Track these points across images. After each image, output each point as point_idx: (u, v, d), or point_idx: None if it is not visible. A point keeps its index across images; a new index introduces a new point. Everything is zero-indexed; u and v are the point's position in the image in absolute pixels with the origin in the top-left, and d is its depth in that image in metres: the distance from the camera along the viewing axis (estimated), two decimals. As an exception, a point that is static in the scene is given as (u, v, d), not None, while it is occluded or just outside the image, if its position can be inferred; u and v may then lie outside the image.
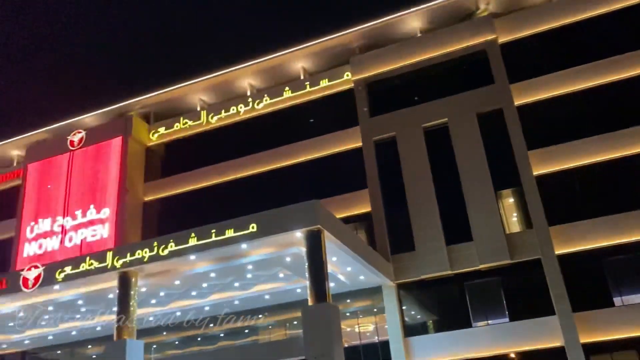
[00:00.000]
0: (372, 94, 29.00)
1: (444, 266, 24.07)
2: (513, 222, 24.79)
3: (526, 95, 26.08)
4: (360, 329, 25.33)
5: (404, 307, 24.71)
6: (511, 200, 25.26)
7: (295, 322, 25.62)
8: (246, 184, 29.84)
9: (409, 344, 23.78)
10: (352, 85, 29.32)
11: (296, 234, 18.22)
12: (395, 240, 25.58)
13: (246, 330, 27.44)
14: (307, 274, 17.94)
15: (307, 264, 17.96)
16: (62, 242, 30.46)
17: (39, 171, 33.18)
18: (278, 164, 29.45)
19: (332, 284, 20.57)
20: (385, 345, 24.06)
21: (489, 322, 23.40)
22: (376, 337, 24.81)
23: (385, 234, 25.63)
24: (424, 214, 25.21)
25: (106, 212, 30.21)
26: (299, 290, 23.68)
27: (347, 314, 25.36)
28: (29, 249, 31.07)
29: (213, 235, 18.78)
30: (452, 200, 25.15)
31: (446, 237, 24.56)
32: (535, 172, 24.46)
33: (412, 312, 25.36)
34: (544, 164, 24.69)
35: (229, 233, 18.58)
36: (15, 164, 36.50)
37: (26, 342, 28.94)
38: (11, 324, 25.75)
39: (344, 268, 22.35)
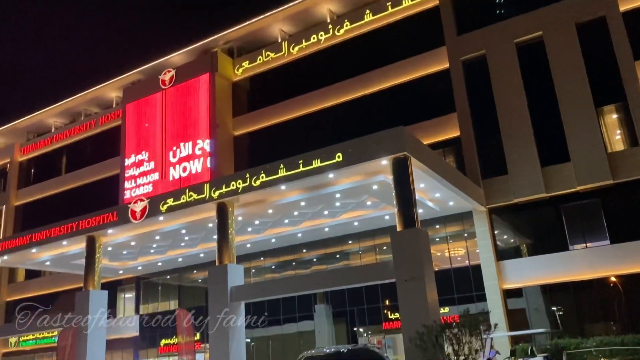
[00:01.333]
0: (458, 10, 27.29)
1: (539, 189, 23.14)
2: (616, 140, 23.07)
3: (634, -2, 23.42)
4: (450, 253, 25.36)
5: (496, 232, 24.29)
6: (614, 116, 23.41)
7: (384, 248, 26.09)
8: (331, 113, 29.81)
9: (502, 267, 23.55)
10: (437, 2, 27.73)
11: (382, 162, 18.15)
12: (487, 164, 24.80)
13: (337, 255, 28.39)
14: (394, 201, 17.99)
15: (394, 191, 17.96)
16: (161, 176, 32.48)
17: (136, 111, 35.07)
18: (362, 92, 28.99)
19: (420, 210, 20.53)
20: (476, 269, 24.00)
21: (588, 244, 22.49)
22: (467, 262, 24.76)
23: (476, 158, 24.87)
24: (517, 135, 24.08)
25: (200, 147, 31.63)
26: (387, 217, 23.91)
27: (437, 239, 25.40)
28: (133, 184, 33.47)
29: (301, 165, 19.17)
30: (548, 119, 23.73)
31: (541, 158, 23.44)
32: (643, 85, 22.34)
33: (505, 236, 24.90)
34: (654, 75, 22.44)
35: (316, 163, 18.86)
36: (114, 105, 38.79)
37: (139, 268, 31.90)
38: (125, 252, 28.37)
39: (433, 194, 22.15)
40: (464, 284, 24.17)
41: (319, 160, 18.80)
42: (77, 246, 26.16)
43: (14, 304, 39.81)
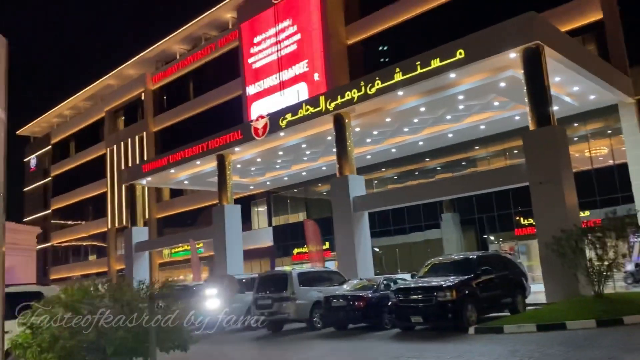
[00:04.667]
0: None
1: None
2: None
3: None
4: (591, 153, 23.03)
5: (646, 126, 21.46)
6: None
7: (515, 152, 24.37)
8: (449, 9, 27.36)
9: (654, 165, 20.95)
10: None
11: (510, 55, 16.42)
12: (635, 49, 21.58)
13: (463, 163, 27.17)
14: (526, 99, 16.35)
15: (525, 87, 16.27)
16: (281, 93, 32.75)
17: (251, 29, 35.17)
18: (484, -20, 26.12)
19: (555, 108, 18.52)
20: (622, 168, 21.62)
21: None
22: (611, 161, 22.37)
23: (622, 42, 21.69)
24: (676, 11, 20.45)
25: (315, 59, 31.15)
26: (517, 118, 22.07)
27: (575, 139, 23.11)
28: (256, 102, 34.22)
29: (418, 67, 18.01)
30: None
31: None
32: None
33: (658, 131, 21.92)
34: None
35: (435, 63, 17.58)
36: (230, 27, 39.24)
37: (267, 183, 33.31)
38: (253, 168, 29.60)
39: (570, 88, 19.88)
40: (607, 185, 21.98)
41: (438, 59, 17.50)
42: (210, 165, 27.73)
43: (163, 220, 44.15)
